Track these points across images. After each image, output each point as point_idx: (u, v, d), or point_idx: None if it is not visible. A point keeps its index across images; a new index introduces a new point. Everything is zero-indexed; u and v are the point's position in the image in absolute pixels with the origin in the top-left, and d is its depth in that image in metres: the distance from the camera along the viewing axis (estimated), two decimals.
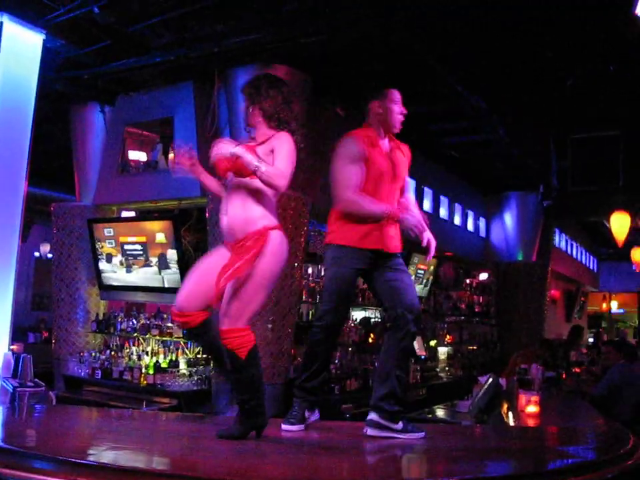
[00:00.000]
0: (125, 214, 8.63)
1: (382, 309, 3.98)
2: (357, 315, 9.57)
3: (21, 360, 5.16)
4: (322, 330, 3.86)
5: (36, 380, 5.12)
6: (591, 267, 19.94)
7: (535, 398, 5.40)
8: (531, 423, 5.17)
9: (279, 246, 3.38)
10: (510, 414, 5.44)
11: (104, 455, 3.14)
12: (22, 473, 2.76)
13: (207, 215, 6.93)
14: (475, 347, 12.65)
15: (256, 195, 3.41)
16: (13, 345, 6.06)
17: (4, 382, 5.11)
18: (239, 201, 3.43)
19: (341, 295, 3.85)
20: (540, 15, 5.78)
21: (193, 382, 7.02)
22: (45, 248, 13.62)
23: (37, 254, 13.96)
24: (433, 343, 10.87)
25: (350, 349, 8.27)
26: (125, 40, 6.52)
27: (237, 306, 3.29)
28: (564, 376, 8.25)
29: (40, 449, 2.95)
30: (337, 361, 7.61)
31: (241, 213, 3.40)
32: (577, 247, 17.31)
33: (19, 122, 6.07)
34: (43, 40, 6.24)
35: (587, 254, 19.06)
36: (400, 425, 3.64)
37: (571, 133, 8.33)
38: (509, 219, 12.89)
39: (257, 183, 3.36)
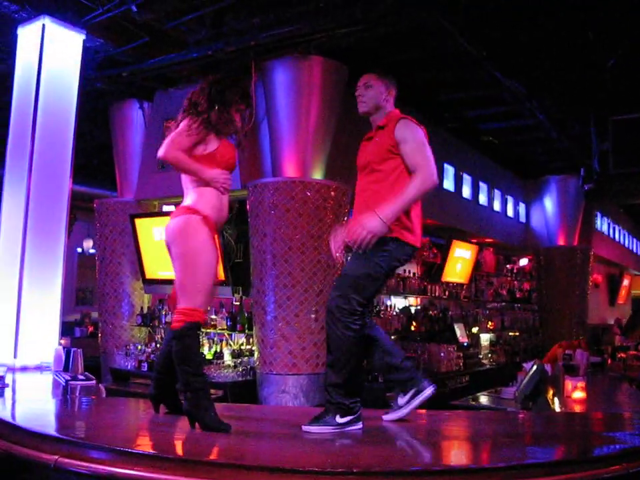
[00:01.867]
0: (166, 208, 8.74)
1: None
2: (399, 302, 9.58)
3: (72, 354, 5.28)
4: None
5: (86, 373, 5.24)
6: (634, 250, 19.60)
7: (581, 384, 5.35)
8: (577, 408, 5.13)
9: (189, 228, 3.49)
10: (556, 400, 5.41)
11: (156, 444, 3.23)
12: (79, 462, 2.85)
13: (248, 207, 7.00)
14: (517, 333, 12.54)
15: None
16: (61, 339, 6.22)
17: (56, 375, 5.24)
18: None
19: None
20: None
21: (238, 373, 7.09)
22: (88, 243, 13.86)
23: (79, 249, 14.23)
24: (475, 329, 10.82)
25: (393, 337, 8.28)
26: (163, 37, 6.61)
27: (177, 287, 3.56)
28: (609, 361, 8.15)
29: (95, 439, 3.03)
30: None
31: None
32: (619, 230, 17.02)
33: (62, 121, 6.21)
34: (83, 40, 6.36)
35: (630, 237, 18.74)
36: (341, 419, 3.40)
37: (611, 115, 8.16)
38: (549, 203, 12.74)
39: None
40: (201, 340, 3.63)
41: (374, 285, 3.45)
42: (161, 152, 3.51)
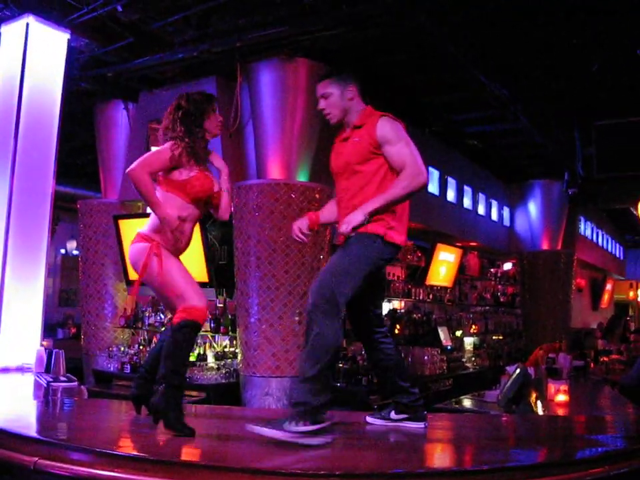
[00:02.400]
0: (150, 210, 8.68)
1: None
2: (383, 306, 9.57)
3: (54, 355, 5.24)
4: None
5: (68, 375, 5.20)
6: (617, 255, 19.75)
7: (564, 387, 5.38)
8: (560, 412, 5.16)
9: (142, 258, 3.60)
10: (539, 403, 5.43)
11: (138, 446, 3.21)
12: (59, 463, 2.83)
13: (232, 209, 6.97)
14: (500, 337, 12.60)
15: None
16: (43, 340, 6.16)
17: (38, 377, 5.20)
18: None
19: None
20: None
21: (221, 375, 7.08)
22: (71, 245, 13.78)
23: (62, 251, 14.14)
24: (458, 333, 10.86)
25: None
26: (148, 37, 6.58)
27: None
28: (592, 365, 8.20)
29: (76, 441, 3.01)
30: (363, 352, 7.62)
31: None
32: (602, 234, 17.14)
33: (46, 121, 6.16)
34: (68, 39, 6.32)
35: (613, 242, 18.87)
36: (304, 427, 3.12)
37: (595, 120, 8.22)
38: (533, 207, 12.79)
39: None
40: (194, 342, 3.62)
41: (355, 282, 3.31)
42: (130, 167, 3.51)
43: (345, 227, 3.31)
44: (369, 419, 3.78)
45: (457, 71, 7.15)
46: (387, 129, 3.41)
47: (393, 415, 3.68)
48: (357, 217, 3.30)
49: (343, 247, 3.42)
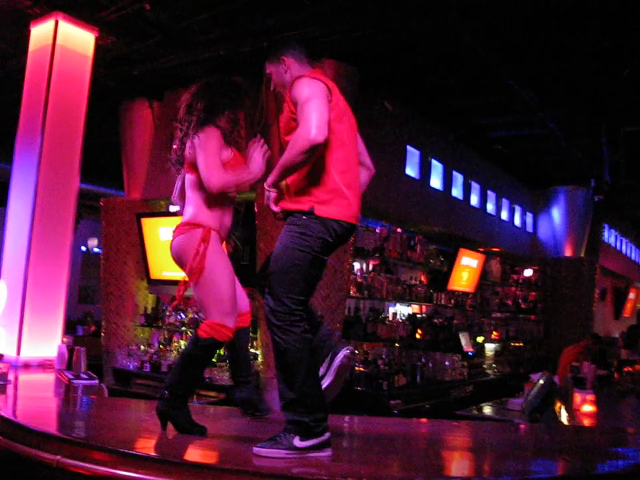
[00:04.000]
0: (172, 208, 8.69)
1: None
2: (404, 310, 9.51)
3: (75, 352, 5.23)
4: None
5: (89, 372, 5.19)
6: None
7: (590, 397, 5.29)
8: (586, 422, 5.06)
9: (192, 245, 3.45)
10: (563, 412, 5.34)
11: (159, 447, 3.18)
12: (81, 462, 2.81)
13: (256, 209, 6.95)
14: (521, 344, 12.47)
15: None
16: (64, 337, 6.17)
17: (59, 374, 5.19)
18: None
19: None
20: (595, 3, 5.65)
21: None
22: (92, 242, 13.86)
23: (83, 248, 14.21)
24: (480, 339, 10.75)
25: (397, 344, 8.22)
26: (175, 36, 6.56)
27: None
28: (616, 375, 8.08)
29: (98, 440, 2.98)
30: (384, 357, 7.57)
31: None
32: (627, 242, 16.95)
33: (72, 119, 6.19)
34: (95, 37, 6.32)
35: (637, 250, 18.65)
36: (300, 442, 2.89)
37: (623, 126, 8.11)
38: (556, 214, 12.67)
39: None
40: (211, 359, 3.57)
41: (303, 275, 2.98)
42: (213, 185, 3.36)
43: (267, 205, 3.13)
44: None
45: (484, 74, 7.09)
46: (296, 89, 3.06)
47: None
48: (265, 194, 3.12)
49: (279, 241, 3.08)
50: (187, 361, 3.41)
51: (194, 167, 3.50)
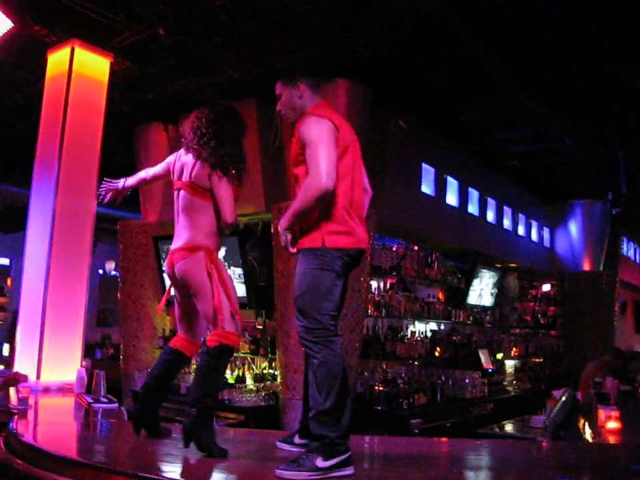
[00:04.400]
0: None
1: None
2: (422, 328, 9.46)
3: (95, 376, 5.23)
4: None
5: (109, 396, 5.18)
6: None
7: (615, 413, 5.19)
8: (611, 439, 4.98)
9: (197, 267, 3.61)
10: (587, 429, 5.26)
11: (181, 471, 3.16)
12: None
13: (272, 229, 6.96)
14: (541, 360, 12.35)
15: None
16: (82, 361, 6.18)
17: (78, 397, 5.19)
18: None
19: None
20: (608, 15, 5.64)
21: (260, 397, 7.01)
22: (110, 265, 13.91)
23: (100, 271, 14.27)
24: (499, 355, 10.66)
25: (416, 362, 8.17)
26: (189, 59, 6.61)
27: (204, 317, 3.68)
28: None
29: (117, 465, 2.98)
30: (403, 375, 7.51)
31: None
32: None
33: (88, 143, 6.24)
34: (110, 63, 6.39)
35: None
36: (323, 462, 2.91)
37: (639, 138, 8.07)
38: (574, 228, 12.59)
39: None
40: (228, 365, 3.66)
41: (328, 292, 3.09)
42: (232, 221, 3.56)
43: (282, 246, 3.30)
44: (278, 444, 3.59)
45: (497, 90, 7.08)
46: (305, 129, 3.20)
47: (296, 439, 3.52)
48: (281, 237, 3.28)
49: (298, 268, 3.22)
50: (204, 372, 3.47)
51: (199, 190, 3.61)
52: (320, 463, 2.89)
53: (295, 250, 3.26)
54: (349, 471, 2.94)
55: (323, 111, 3.28)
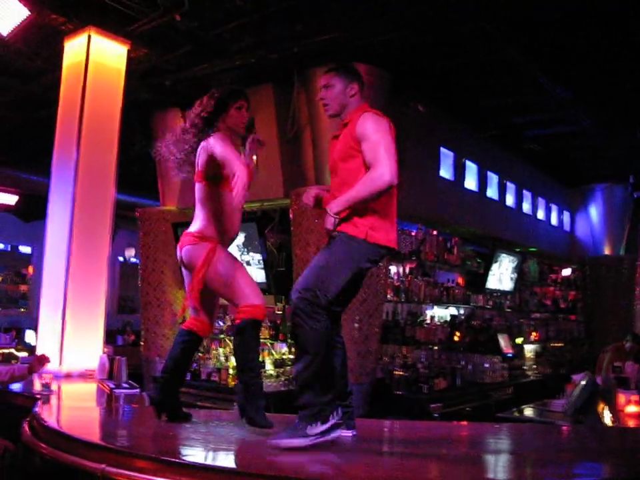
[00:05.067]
0: None
1: None
2: (442, 313, 9.44)
3: (116, 362, 5.28)
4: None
5: (130, 382, 5.23)
6: None
7: (634, 397, 5.17)
8: (631, 423, 4.95)
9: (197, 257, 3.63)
10: (607, 414, 5.24)
11: (202, 455, 3.19)
12: (126, 471, 2.82)
13: (291, 215, 6.96)
14: (561, 344, 12.30)
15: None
16: (104, 347, 6.24)
17: (100, 383, 5.25)
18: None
19: None
20: None
21: (280, 382, 7.05)
22: (130, 252, 14.01)
23: (121, 258, 14.38)
24: (519, 340, 10.62)
25: (436, 347, 8.16)
26: (206, 45, 6.61)
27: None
28: None
29: (142, 449, 3.00)
30: (423, 360, 7.52)
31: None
32: None
33: (107, 131, 6.25)
34: (127, 50, 6.39)
35: None
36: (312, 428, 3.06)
37: None
38: (594, 211, 12.49)
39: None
40: (259, 337, 3.70)
41: (341, 279, 3.17)
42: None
43: (326, 228, 3.27)
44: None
45: (516, 73, 7.01)
46: (366, 125, 3.27)
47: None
48: (328, 219, 3.24)
49: (328, 247, 3.30)
50: (234, 350, 3.66)
51: (206, 179, 3.67)
52: (310, 430, 3.03)
53: (336, 233, 3.26)
54: (336, 433, 3.09)
55: (376, 111, 3.35)
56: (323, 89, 3.48)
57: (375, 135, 3.22)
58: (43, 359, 4.90)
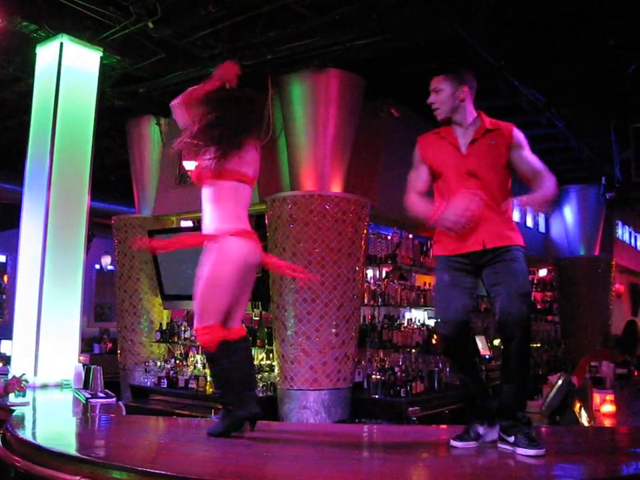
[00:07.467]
0: (184, 224, 8.74)
1: None
2: (419, 315, 9.47)
3: (92, 371, 5.25)
4: (442, 340, 3.71)
5: (107, 391, 5.20)
6: None
7: (610, 397, 5.23)
8: (607, 422, 5.01)
9: (227, 249, 3.54)
10: (583, 413, 5.29)
11: (178, 465, 3.17)
12: None
13: (267, 221, 6.96)
14: (538, 345, 12.38)
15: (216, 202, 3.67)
16: (80, 356, 6.19)
17: (76, 393, 5.21)
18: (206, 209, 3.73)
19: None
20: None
21: (258, 389, 7.02)
22: (106, 260, 13.92)
23: (97, 266, 14.28)
24: (496, 342, 10.68)
25: (413, 350, 8.18)
26: (179, 52, 6.60)
27: (197, 305, 3.61)
28: (635, 373, 8.00)
29: (118, 460, 2.98)
30: (401, 364, 7.53)
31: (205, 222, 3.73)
32: None
33: (80, 138, 6.22)
34: (100, 57, 6.37)
35: None
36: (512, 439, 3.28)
37: (632, 122, 8.06)
38: (568, 213, 12.61)
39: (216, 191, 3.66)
40: (225, 358, 3.64)
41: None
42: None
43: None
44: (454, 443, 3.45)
45: (490, 77, 7.06)
46: (521, 135, 3.45)
47: (481, 429, 3.48)
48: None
49: (513, 259, 3.42)
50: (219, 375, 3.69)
51: (206, 182, 3.68)
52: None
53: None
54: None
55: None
56: (433, 93, 3.48)
57: (527, 145, 3.46)
58: (20, 383, 4.78)
